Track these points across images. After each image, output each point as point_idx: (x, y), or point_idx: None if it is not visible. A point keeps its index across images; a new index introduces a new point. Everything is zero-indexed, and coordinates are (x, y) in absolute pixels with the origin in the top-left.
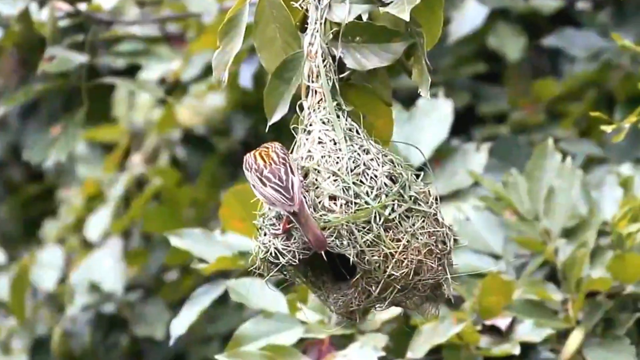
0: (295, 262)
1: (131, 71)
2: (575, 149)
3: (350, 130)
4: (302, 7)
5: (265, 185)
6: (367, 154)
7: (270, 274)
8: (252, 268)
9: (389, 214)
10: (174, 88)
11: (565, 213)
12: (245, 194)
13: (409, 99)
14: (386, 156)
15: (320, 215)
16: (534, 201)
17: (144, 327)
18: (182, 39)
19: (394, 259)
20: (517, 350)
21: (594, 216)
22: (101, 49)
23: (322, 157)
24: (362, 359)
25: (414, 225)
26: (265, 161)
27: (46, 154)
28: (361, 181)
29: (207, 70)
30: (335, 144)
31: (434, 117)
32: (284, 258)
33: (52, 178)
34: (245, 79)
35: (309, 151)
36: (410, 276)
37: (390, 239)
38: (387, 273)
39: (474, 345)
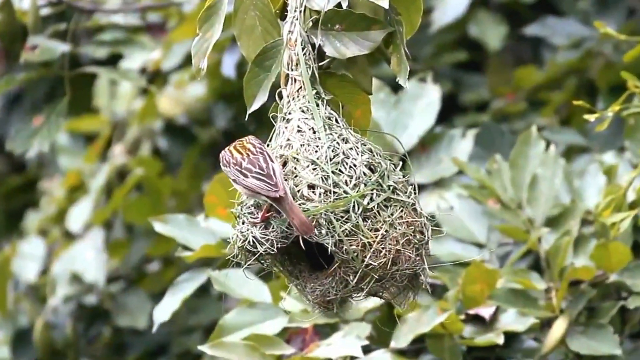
0: (273, 250)
1: (113, 61)
2: (557, 137)
3: (329, 119)
4: None
5: (247, 176)
6: (346, 143)
7: (248, 263)
8: (229, 257)
9: (368, 204)
10: (154, 77)
11: (548, 202)
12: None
13: (394, 88)
14: (365, 145)
15: (299, 204)
16: (518, 189)
17: (126, 318)
18: (163, 29)
19: (372, 249)
20: (500, 340)
21: (577, 205)
22: (83, 38)
23: (301, 145)
24: (346, 348)
25: (392, 215)
26: (242, 153)
27: (29, 144)
28: (340, 170)
29: (188, 60)
30: (314, 132)
31: (421, 102)
32: (261, 247)
33: (35, 170)
34: (228, 68)
35: (288, 139)
36: (388, 266)
37: (368, 229)
38: (365, 263)
39: (458, 335)
